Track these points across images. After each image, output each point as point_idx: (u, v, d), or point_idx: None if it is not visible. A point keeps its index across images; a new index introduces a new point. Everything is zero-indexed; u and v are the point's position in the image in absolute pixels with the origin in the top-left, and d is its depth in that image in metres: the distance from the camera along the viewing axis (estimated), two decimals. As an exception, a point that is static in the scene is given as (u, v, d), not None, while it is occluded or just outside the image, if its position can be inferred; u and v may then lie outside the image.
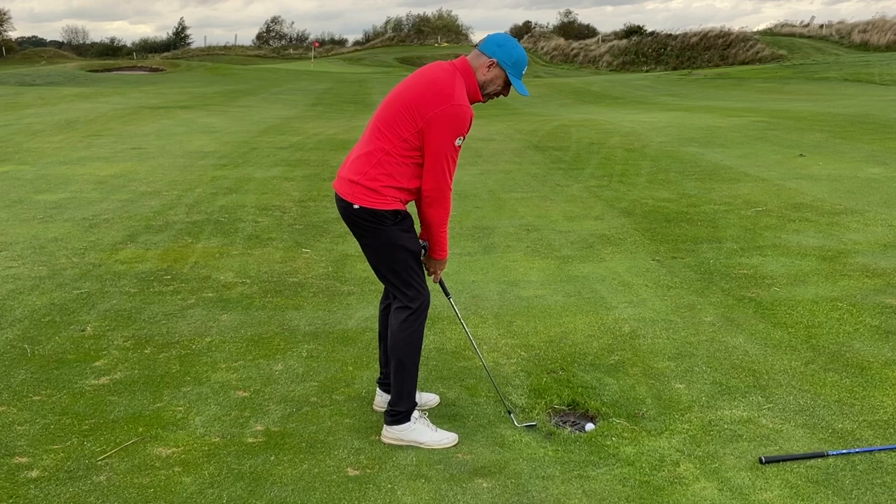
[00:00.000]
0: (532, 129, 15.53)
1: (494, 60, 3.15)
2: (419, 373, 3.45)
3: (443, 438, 3.35)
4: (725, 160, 10.96)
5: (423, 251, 3.36)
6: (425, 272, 3.42)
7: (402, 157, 3.11)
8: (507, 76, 3.18)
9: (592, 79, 39.22)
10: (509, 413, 3.57)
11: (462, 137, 3.10)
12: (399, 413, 3.34)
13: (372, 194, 3.13)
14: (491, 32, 3.28)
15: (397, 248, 3.22)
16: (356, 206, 3.16)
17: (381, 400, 3.60)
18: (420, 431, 3.34)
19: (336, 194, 3.27)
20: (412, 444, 3.33)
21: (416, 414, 3.38)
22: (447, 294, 3.57)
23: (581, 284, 5.52)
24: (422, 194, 3.19)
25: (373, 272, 3.41)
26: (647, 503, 2.92)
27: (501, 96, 3.29)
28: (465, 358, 4.23)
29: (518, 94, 3.25)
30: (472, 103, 3.16)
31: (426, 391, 3.78)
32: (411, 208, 3.30)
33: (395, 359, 3.32)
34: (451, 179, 3.17)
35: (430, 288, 3.37)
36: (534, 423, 3.49)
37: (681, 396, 3.76)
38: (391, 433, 3.36)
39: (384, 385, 3.60)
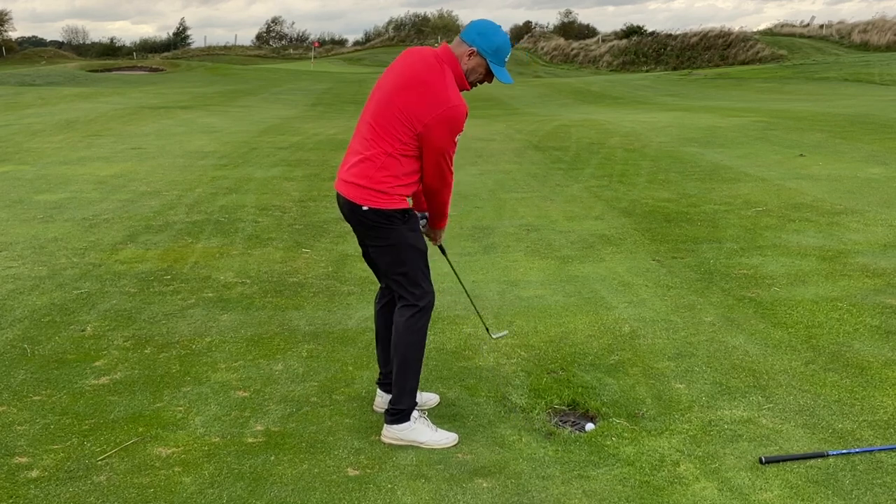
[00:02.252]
0: (532, 129, 15.53)
1: (474, 49, 3.11)
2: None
3: (442, 438, 3.35)
4: (725, 160, 10.96)
5: (424, 220, 3.46)
6: (431, 240, 3.51)
7: (404, 159, 3.13)
8: (488, 65, 3.14)
9: (592, 79, 39.22)
10: (487, 329, 3.90)
11: (460, 133, 3.11)
12: (400, 412, 3.33)
13: (381, 195, 3.14)
14: (478, 21, 3.13)
15: (406, 248, 3.22)
16: (365, 208, 3.15)
17: (382, 401, 3.59)
18: (420, 431, 3.34)
19: (340, 196, 3.25)
20: (412, 443, 3.32)
21: (415, 414, 3.37)
22: (444, 252, 3.72)
23: (581, 284, 5.52)
24: (424, 188, 3.26)
25: (372, 273, 3.41)
26: (647, 503, 2.92)
27: (486, 83, 3.26)
28: (465, 358, 4.23)
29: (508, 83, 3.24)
30: (460, 91, 3.16)
31: (426, 391, 3.78)
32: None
33: (399, 356, 3.31)
34: (452, 170, 3.21)
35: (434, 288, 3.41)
36: (505, 333, 3.96)
37: (681, 396, 3.76)
38: (391, 432, 3.35)
39: (384, 385, 3.60)
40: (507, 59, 3.18)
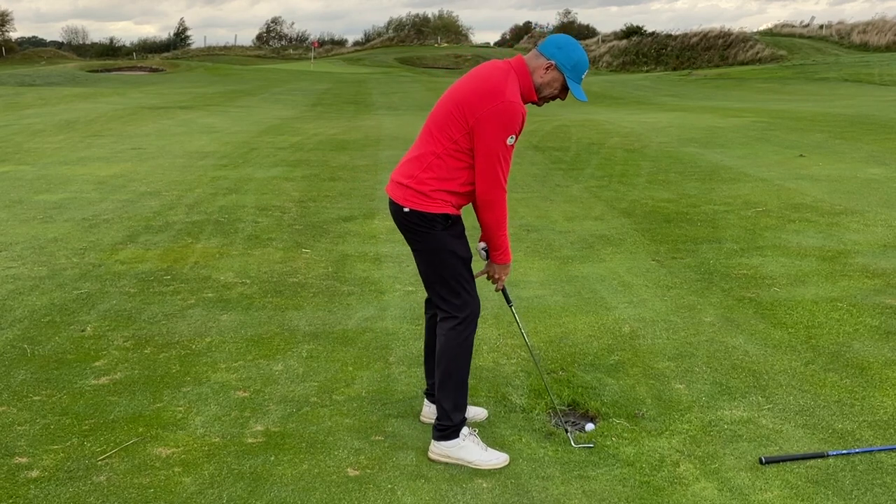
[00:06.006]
0: (532, 129, 15.53)
1: (553, 63, 3.03)
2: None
3: (493, 458, 3.18)
4: (725, 160, 10.96)
5: (484, 252, 3.29)
6: (490, 281, 3.32)
7: (452, 160, 3.04)
8: (564, 80, 3.07)
9: (592, 79, 39.21)
10: (567, 431, 3.43)
11: (514, 136, 2.99)
12: (447, 427, 3.18)
13: (422, 198, 3.06)
14: (556, 36, 3.05)
15: (446, 254, 3.14)
16: (406, 210, 3.09)
17: (429, 410, 3.48)
18: (469, 450, 3.18)
19: (389, 198, 3.19)
20: (460, 462, 3.17)
21: (465, 430, 3.22)
22: (508, 302, 3.46)
23: (581, 285, 5.52)
24: (475, 198, 3.10)
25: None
26: (647, 503, 2.92)
27: (558, 99, 3.18)
28: (465, 358, 4.22)
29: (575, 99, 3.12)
30: (525, 104, 3.07)
31: (469, 404, 3.56)
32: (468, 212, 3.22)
33: (441, 370, 3.18)
34: (505, 181, 3.04)
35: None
36: (591, 445, 3.33)
37: (681, 396, 3.76)
38: (439, 449, 3.20)
39: (431, 396, 3.47)
40: (583, 77, 3.10)
